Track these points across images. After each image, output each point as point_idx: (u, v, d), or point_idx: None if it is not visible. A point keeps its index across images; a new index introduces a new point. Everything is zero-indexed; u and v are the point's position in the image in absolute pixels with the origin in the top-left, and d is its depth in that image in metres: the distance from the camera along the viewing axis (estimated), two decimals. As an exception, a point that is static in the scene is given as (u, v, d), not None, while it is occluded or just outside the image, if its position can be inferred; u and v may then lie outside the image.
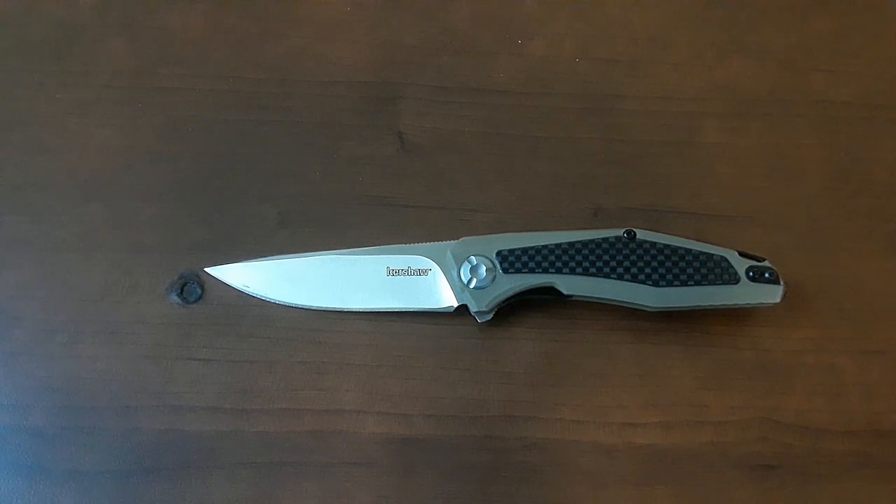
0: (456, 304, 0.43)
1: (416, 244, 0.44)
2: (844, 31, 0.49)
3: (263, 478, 0.42)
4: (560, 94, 0.48)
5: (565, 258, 0.42)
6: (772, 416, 0.43)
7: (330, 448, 0.42)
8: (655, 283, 0.41)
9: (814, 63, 0.49)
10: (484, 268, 0.42)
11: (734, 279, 0.41)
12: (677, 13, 0.50)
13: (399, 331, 0.44)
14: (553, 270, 0.42)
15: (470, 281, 0.42)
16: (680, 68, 0.48)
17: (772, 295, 0.41)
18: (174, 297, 0.44)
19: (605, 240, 0.42)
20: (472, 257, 0.42)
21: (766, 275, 0.41)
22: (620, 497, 0.42)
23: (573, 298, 0.42)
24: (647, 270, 0.41)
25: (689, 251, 0.42)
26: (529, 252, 0.42)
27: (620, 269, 0.41)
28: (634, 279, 0.41)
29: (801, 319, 0.44)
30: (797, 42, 0.49)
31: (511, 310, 0.43)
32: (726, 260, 0.41)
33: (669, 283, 0.41)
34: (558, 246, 0.42)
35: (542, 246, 0.42)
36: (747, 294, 0.41)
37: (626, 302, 0.42)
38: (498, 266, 0.42)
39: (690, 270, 0.41)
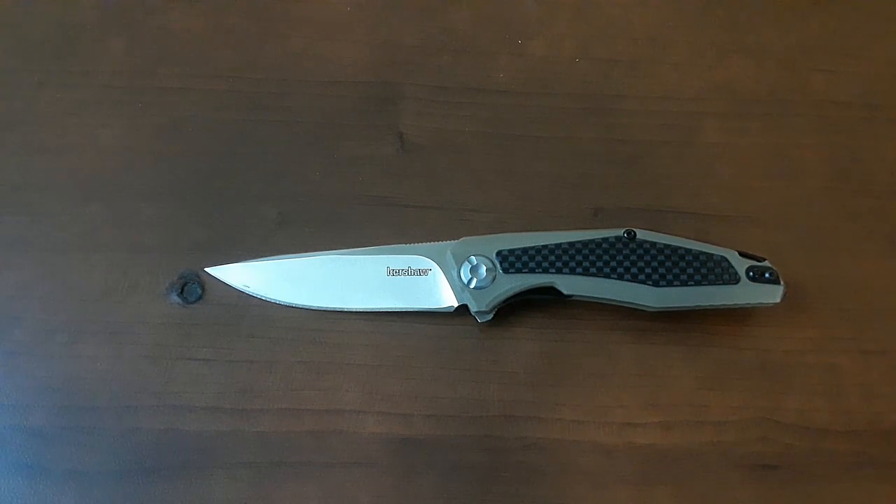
0: (456, 304, 0.43)
1: (416, 244, 0.44)
2: (844, 31, 0.49)
3: (263, 478, 0.42)
4: (560, 94, 0.48)
5: (565, 258, 0.42)
6: (772, 416, 0.43)
7: (330, 448, 0.42)
8: (655, 283, 0.41)
9: (814, 63, 0.49)
10: (484, 268, 0.42)
11: (734, 279, 0.41)
12: (677, 13, 0.50)
13: (399, 331, 0.44)
14: (553, 270, 0.42)
15: (470, 281, 0.42)
16: (680, 68, 0.48)
17: (772, 295, 0.41)
18: (174, 297, 0.44)
19: (605, 240, 0.42)
20: (472, 257, 0.42)
21: (766, 275, 0.41)
22: (620, 497, 0.42)
23: (573, 298, 0.42)
24: (647, 270, 0.41)
25: (689, 251, 0.42)
26: (529, 252, 0.42)
27: (620, 269, 0.41)
28: (634, 279, 0.41)
29: (801, 319, 0.44)
30: (797, 42, 0.49)
31: (511, 310, 0.43)
32: (726, 260, 0.41)
33: (669, 283, 0.41)
34: (558, 246, 0.42)
35: (542, 246, 0.42)
36: (747, 294, 0.41)
37: (626, 302, 0.42)
38: (498, 266, 0.42)
39: (690, 270, 0.41)
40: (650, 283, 0.41)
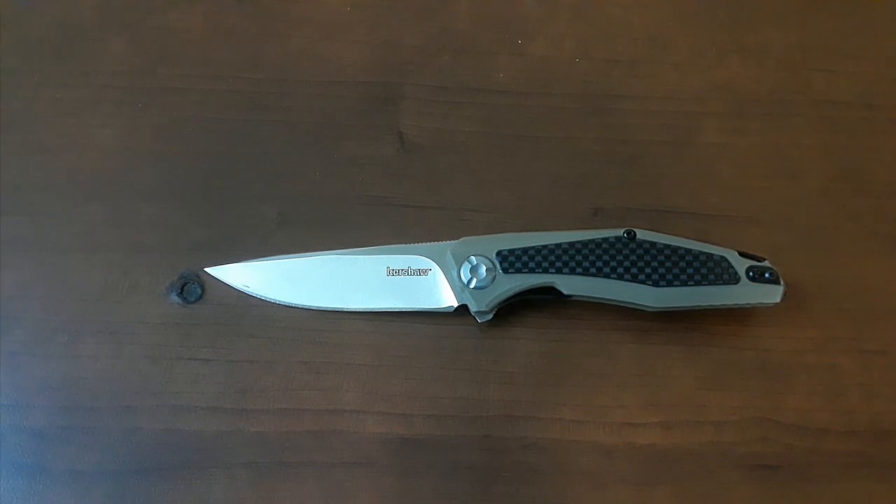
0: (456, 304, 0.43)
1: (416, 244, 0.44)
2: (844, 31, 0.49)
3: (263, 478, 0.42)
4: (560, 94, 0.48)
5: (565, 258, 0.42)
6: (772, 416, 0.43)
7: (330, 448, 0.42)
8: (655, 283, 0.41)
9: (814, 63, 0.49)
10: (484, 268, 0.42)
11: (734, 279, 0.41)
12: (677, 13, 0.50)
13: (399, 331, 0.44)
14: (553, 270, 0.42)
15: (470, 281, 0.42)
16: (680, 68, 0.48)
17: (772, 295, 0.41)
18: (174, 297, 0.44)
19: (605, 240, 0.42)
20: (472, 257, 0.42)
21: (766, 275, 0.41)
22: (620, 497, 0.42)
23: (573, 298, 0.42)
24: (647, 270, 0.41)
25: (689, 251, 0.42)
26: (529, 252, 0.42)
27: (620, 269, 0.41)
28: (634, 279, 0.41)
29: (801, 319, 0.44)
30: (797, 42, 0.49)
31: (511, 310, 0.43)
32: (726, 260, 0.41)
33: (669, 283, 0.41)
34: (558, 246, 0.42)
35: (542, 246, 0.42)
36: (747, 294, 0.41)
37: (626, 302, 0.42)
38: (498, 266, 0.42)
39: (690, 270, 0.41)
40: (650, 283, 0.41)
